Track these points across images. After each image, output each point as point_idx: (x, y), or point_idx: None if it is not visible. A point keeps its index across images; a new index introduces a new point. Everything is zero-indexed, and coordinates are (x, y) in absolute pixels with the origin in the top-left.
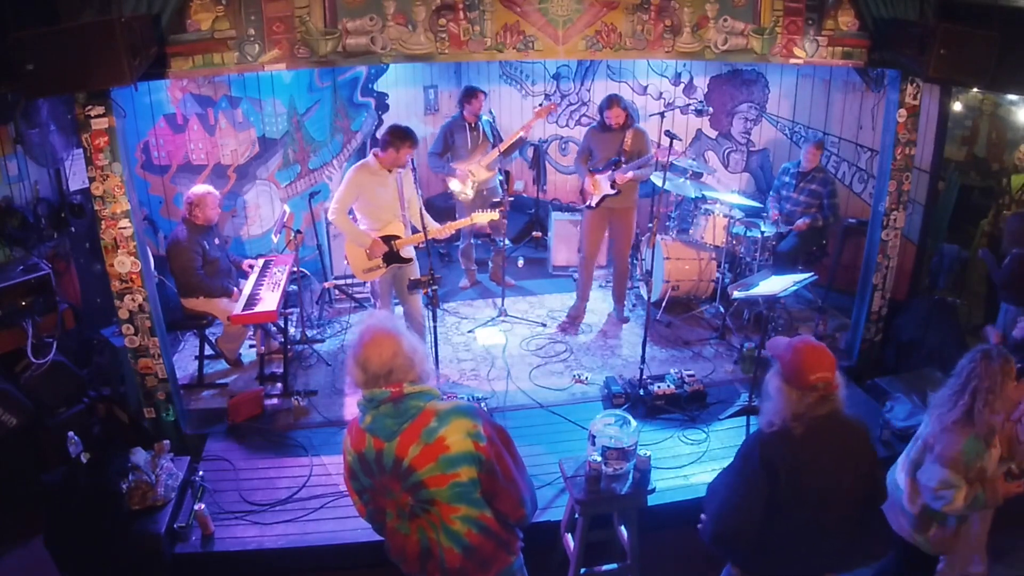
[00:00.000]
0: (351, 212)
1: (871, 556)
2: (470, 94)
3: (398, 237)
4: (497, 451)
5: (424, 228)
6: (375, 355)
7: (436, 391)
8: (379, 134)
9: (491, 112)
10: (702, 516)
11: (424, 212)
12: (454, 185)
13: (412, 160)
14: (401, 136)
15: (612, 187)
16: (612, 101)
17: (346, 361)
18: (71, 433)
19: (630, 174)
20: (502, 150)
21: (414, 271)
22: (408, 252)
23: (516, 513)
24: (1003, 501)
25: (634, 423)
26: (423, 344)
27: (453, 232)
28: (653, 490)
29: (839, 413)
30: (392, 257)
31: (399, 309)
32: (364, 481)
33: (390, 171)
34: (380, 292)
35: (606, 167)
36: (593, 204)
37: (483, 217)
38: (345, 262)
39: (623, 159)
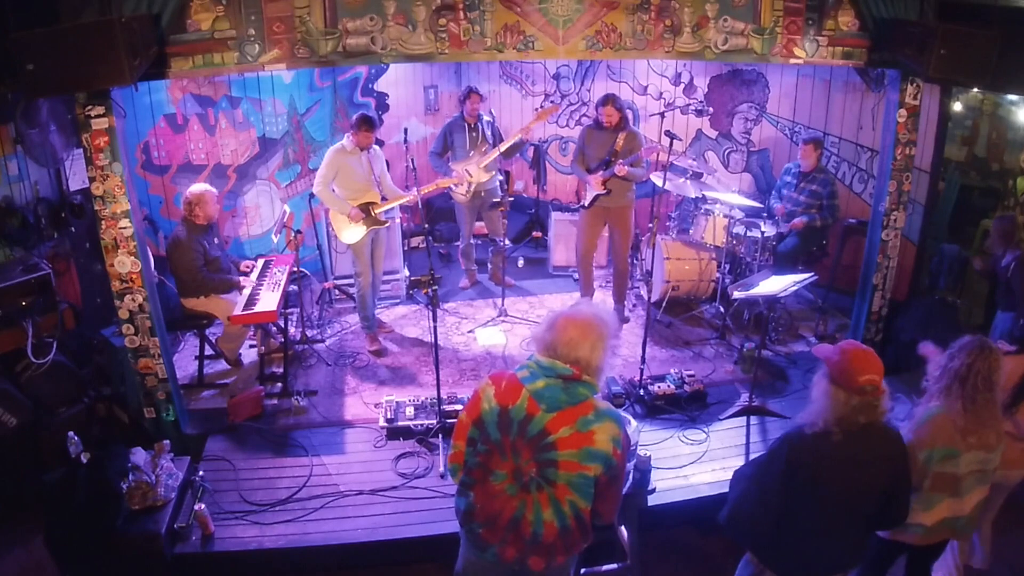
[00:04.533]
0: (333, 189)
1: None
2: (468, 95)
3: (375, 204)
4: (623, 461)
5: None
6: (576, 337)
7: (599, 387)
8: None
9: (491, 112)
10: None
11: (394, 186)
12: (450, 183)
13: (410, 152)
14: (360, 123)
15: (603, 187)
16: (607, 99)
17: (543, 320)
18: (71, 433)
19: (624, 171)
20: (500, 151)
21: (383, 238)
22: (383, 217)
23: (609, 517)
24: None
25: (634, 423)
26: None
27: (419, 199)
28: (653, 490)
29: (878, 423)
30: (371, 221)
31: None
32: (492, 434)
33: (362, 150)
34: (360, 254)
35: (597, 167)
36: (586, 204)
37: (447, 182)
38: (330, 230)
39: (613, 160)
